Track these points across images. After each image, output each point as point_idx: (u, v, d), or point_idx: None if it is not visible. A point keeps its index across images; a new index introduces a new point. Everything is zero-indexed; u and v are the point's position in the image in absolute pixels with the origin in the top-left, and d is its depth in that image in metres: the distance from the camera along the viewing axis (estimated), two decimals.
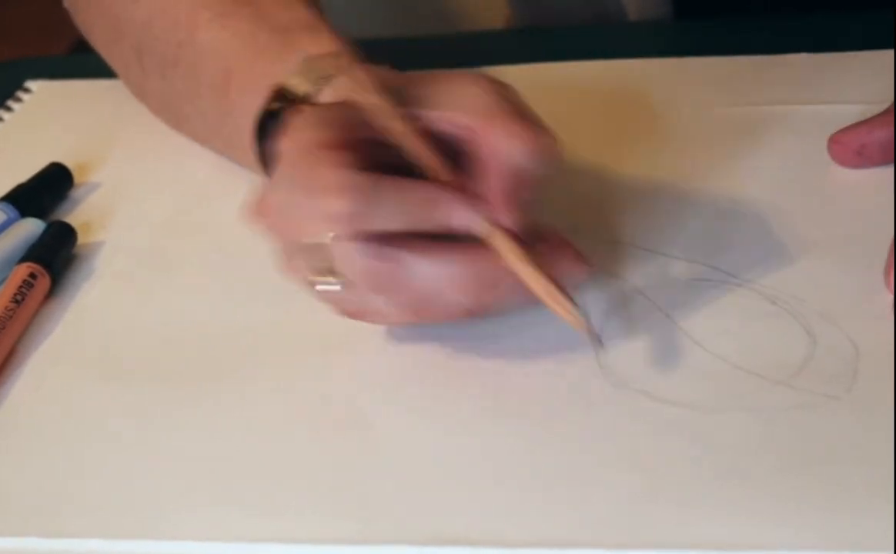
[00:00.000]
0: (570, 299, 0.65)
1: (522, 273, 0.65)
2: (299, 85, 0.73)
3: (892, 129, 0.77)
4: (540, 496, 0.60)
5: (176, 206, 0.86)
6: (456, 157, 0.66)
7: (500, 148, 0.65)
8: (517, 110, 0.66)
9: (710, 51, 0.92)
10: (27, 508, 0.64)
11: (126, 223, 0.85)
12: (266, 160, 0.75)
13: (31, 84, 1.02)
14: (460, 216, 0.64)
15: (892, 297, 0.68)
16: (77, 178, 0.89)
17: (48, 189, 0.87)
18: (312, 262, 0.65)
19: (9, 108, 0.99)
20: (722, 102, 0.88)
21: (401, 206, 0.64)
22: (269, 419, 0.67)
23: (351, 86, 0.67)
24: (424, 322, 0.68)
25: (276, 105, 0.74)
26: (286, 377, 0.69)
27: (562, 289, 0.65)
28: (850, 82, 0.87)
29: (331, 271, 0.65)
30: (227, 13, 0.81)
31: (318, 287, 0.66)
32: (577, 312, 0.65)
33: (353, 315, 0.68)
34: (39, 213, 0.84)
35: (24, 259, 0.78)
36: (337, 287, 0.65)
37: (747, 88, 0.89)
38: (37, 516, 0.63)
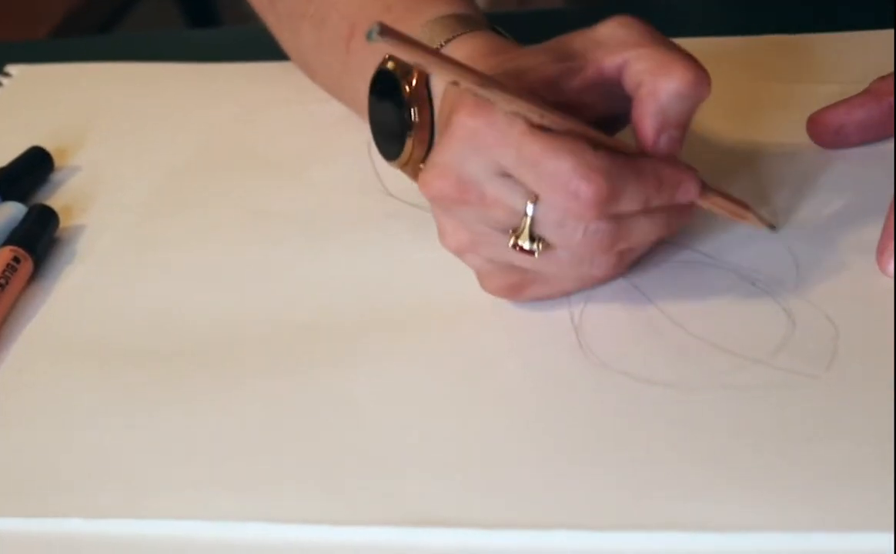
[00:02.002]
0: (748, 207, 0.70)
1: (711, 205, 0.68)
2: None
3: (871, 110, 0.77)
4: (521, 477, 0.60)
5: (157, 189, 0.86)
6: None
7: (658, 80, 0.65)
8: (665, 41, 0.66)
9: (690, 32, 0.92)
10: (10, 488, 0.64)
11: (107, 206, 0.85)
12: (379, 128, 0.76)
13: (11, 68, 1.02)
14: (688, 193, 0.66)
15: (882, 278, 0.68)
16: (57, 161, 0.89)
17: (29, 173, 0.87)
18: (507, 233, 0.65)
19: None
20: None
21: (641, 190, 0.64)
22: (252, 400, 0.67)
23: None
24: (598, 282, 0.69)
25: (390, 65, 0.74)
26: (270, 359, 0.69)
27: (738, 202, 0.70)
28: (829, 63, 0.87)
29: (529, 238, 0.65)
30: None
31: (519, 254, 0.65)
32: (757, 215, 0.70)
33: (512, 289, 0.68)
34: (20, 197, 0.84)
35: (6, 243, 0.78)
36: (535, 253, 0.65)
37: (727, 69, 0.89)
38: (19, 497, 0.63)
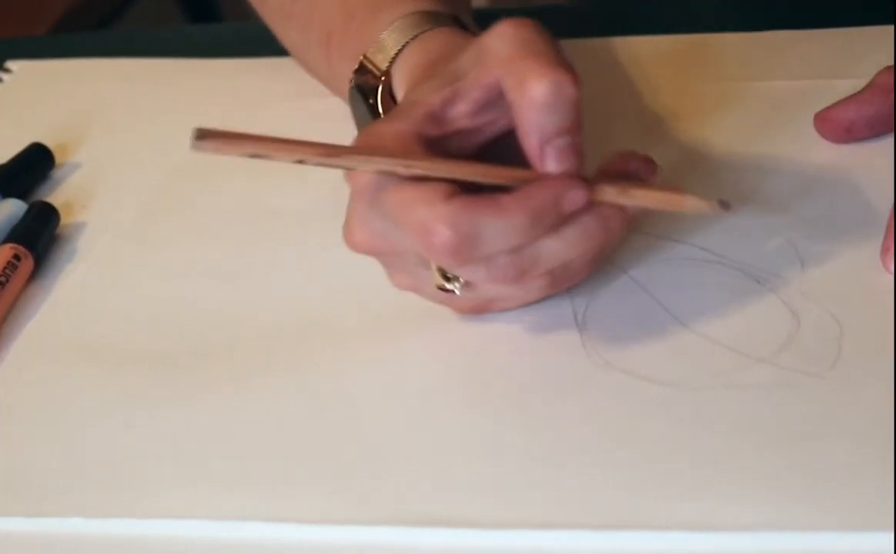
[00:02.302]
0: (682, 191, 0.66)
1: (633, 202, 0.65)
2: (388, 42, 0.73)
3: (880, 105, 0.77)
4: (525, 477, 0.60)
5: (157, 186, 0.85)
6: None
7: (521, 96, 0.63)
8: (531, 49, 0.64)
9: (694, 28, 0.92)
10: (9, 487, 0.64)
11: (108, 203, 0.85)
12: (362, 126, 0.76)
13: (11, 64, 1.01)
14: (574, 201, 0.63)
15: (887, 276, 0.68)
16: (58, 158, 0.89)
17: (29, 169, 0.87)
18: (429, 275, 0.65)
19: None
20: (706, 78, 0.88)
21: (504, 225, 0.62)
22: (253, 399, 0.67)
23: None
24: (556, 292, 0.68)
25: (361, 80, 0.74)
26: (270, 357, 0.69)
27: (670, 189, 0.66)
28: (835, 59, 0.87)
29: (444, 278, 0.65)
30: None
31: (439, 294, 0.66)
32: (701, 199, 0.66)
33: (474, 310, 0.68)
34: (21, 194, 0.84)
35: (6, 240, 0.78)
36: (455, 291, 0.65)
37: (732, 65, 0.89)
38: (19, 496, 0.63)
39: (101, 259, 0.79)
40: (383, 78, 0.74)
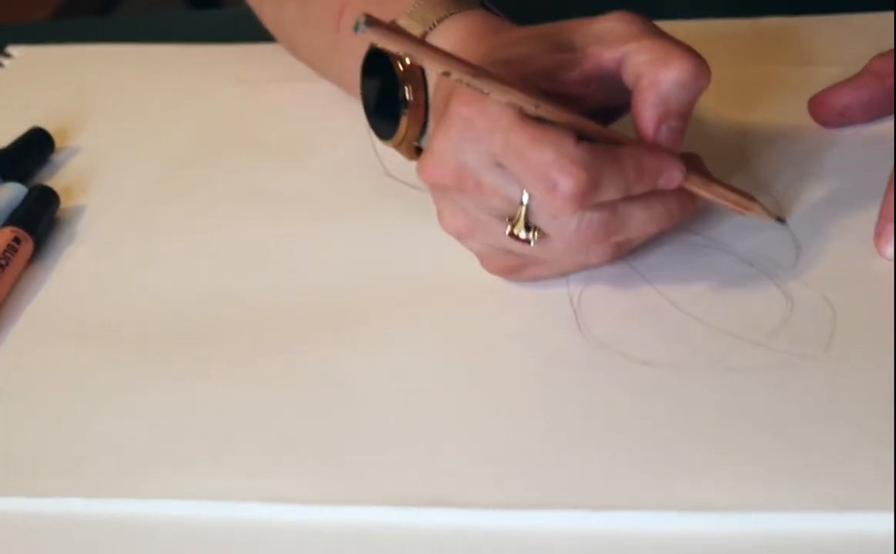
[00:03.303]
0: (753, 199, 0.69)
1: (712, 195, 0.68)
2: (410, 27, 0.73)
3: (874, 89, 0.77)
4: (522, 458, 0.60)
5: (157, 171, 0.86)
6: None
7: (658, 70, 0.65)
8: (664, 35, 0.66)
9: (690, 14, 0.92)
10: (9, 468, 0.64)
11: (107, 187, 0.85)
12: (372, 102, 0.76)
13: (12, 49, 1.02)
14: (671, 180, 0.65)
15: (880, 260, 0.68)
16: (58, 142, 0.89)
17: (29, 153, 0.87)
18: (504, 221, 0.65)
19: None
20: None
21: (621, 178, 0.64)
22: (251, 381, 0.67)
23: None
24: (594, 266, 0.69)
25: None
26: (270, 340, 0.69)
27: (743, 194, 0.69)
28: (828, 45, 0.87)
29: (525, 227, 0.65)
30: None
31: (514, 241, 0.66)
32: (763, 207, 0.69)
33: (510, 271, 0.69)
34: (21, 178, 0.84)
35: (6, 223, 0.78)
36: (531, 242, 0.65)
37: (727, 51, 0.89)
38: (19, 477, 0.64)
39: (100, 243, 0.79)
40: None
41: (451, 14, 0.74)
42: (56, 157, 0.88)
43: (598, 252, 0.68)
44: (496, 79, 0.62)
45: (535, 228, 0.65)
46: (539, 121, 0.63)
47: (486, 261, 0.69)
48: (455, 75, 0.62)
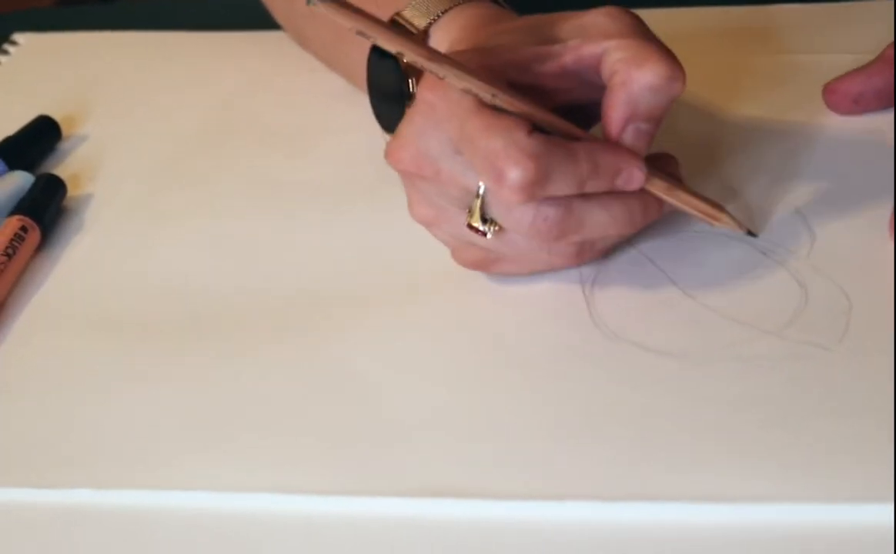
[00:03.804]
0: (722, 208, 0.69)
1: (676, 202, 0.68)
2: (413, 17, 0.73)
3: (889, 76, 0.77)
4: (533, 449, 0.60)
5: (165, 158, 0.85)
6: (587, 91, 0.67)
7: (631, 70, 0.65)
8: (647, 35, 0.66)
9: (703, 2, 0.92)
10: (16, 459, 0.64)
11: (114, 175, 0.85)
12: (378, 92, 0.76)
13: (18, 37, 1.01)
14: (630, 181, 0.65)
15: (892, 248, 0.68)
16: (65, 130, 0.89)
17: (36, 142, 0.87)
18: (463, 211, 0.65)
19: None
20: (713, 52, 0.88)
21: (573, 172, 0.63)
22: (260, 371, 0.67)
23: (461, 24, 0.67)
24: (563, 267, 0.68)
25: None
26: (277, 330, 0.69)
27: (712, 204, 0.69)
28: (842, 32, 0.87)
29: (481, 219, 0.65)
30: None
31: (471, 233, 0.65)
32: (732, 218, 0.69)
33: (479, 264, 0.68)
34: (28, 166, 0.84)
35: (14, 212, 0.78)
36: (487, 234, 0.65)
37: (741, 38, 0.89)
38: (26, 467, 0.63)
39: (107, 231, 0.79)
40: (422, 36, 0.74)
41: (455, 5, 0.74)
42: (63, 146, 0.88)
43: (560, 251, 0.67)
44: (453, 64, 0.62)
45: (492, 221, 0.65)
46: (497, 110, 0.63)
47: (455, 253, 0.69)
48: (409, 57, 0.62)
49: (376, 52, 0.76)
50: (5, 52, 1.00)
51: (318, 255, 0.74)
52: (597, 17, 0.67)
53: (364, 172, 0.81)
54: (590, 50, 0.66)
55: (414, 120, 0.65)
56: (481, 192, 0.64)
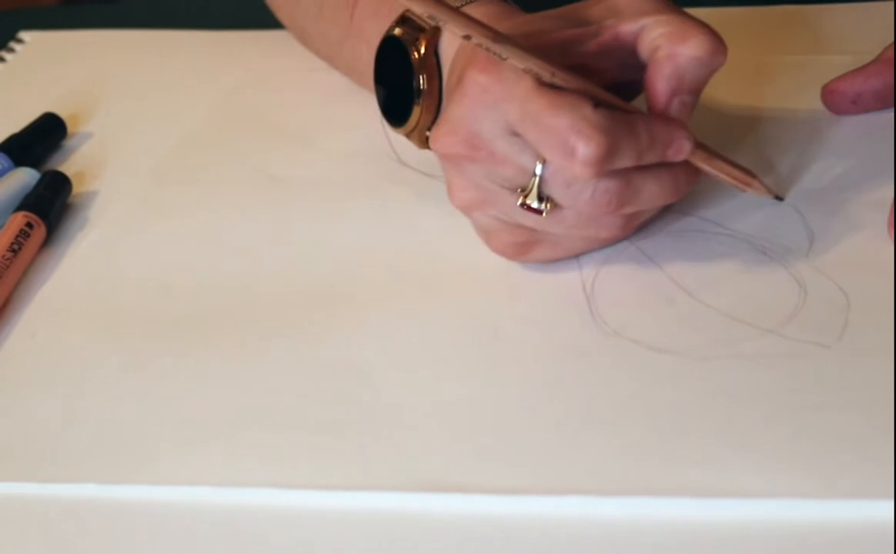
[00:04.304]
0: (754, 175, 0.70)
1: (714, 170, 0.69)
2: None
3: (887, 77, 0.77)
4: (533, 444, 0.60)
5: (169, 155, 0.86)
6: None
7: (675, 44, 0.66)
8: (681, 11, 0.67)
9: (702, 2, 0.92)
10: (23, 454, 0.64)
11: (120, 172, 0.85)
12: (387, 86, 0.77)
13: (24, 34, 1.02)
14: (680, 150, 0.66)
15: (891, 247, 0.68)
16: (70, 127, 0.89)
17: (42, 139, 0.88)
18: (516, 191, 0.66)
19: (2, 59, 0.99)
20: None
21: (635, 145, 0.64)
22: (264, 367, 0.67)
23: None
24: (604, 245, 0.70)
25: (398, 30, 0.74)
26: (282, 325, 0.69)
27: (744, 170, 0.70)
28: (840, 33, 0.87)
29: (537, 197, 0.65)
30: None
31: (528, 212, 0.66)
32: (763, 184, 0.70)
33: (517, 249, 0.69)
34: (33, 163, 0.84)
35: (19, 208, 0.78)
36: (543, 212, 0.65)
37: (740, 39, 0.89)
38: (32, 462, 0.63)
39: (112, 227, 0.80)
40: (434, 32, 0.74)
41: (469, 2, 0.74)
42: (68, 143, 0.88)
43: (609, 224, 0.68)
44: (515, 45, 0.63)
45: (548, 198, 0.65)
46: (555, 88, 0.63)
47: (493, 238, 0.69)
48: (476, 39, 0.62)
49: (384, 49, 0.76)
50: (11, 50, 1.00)
51: (320, 252, 0.74)
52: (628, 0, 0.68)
53: (365, 170, 0.81)
54: (628, 27, 0.67)
55: (464, 103, 0.65)
56: (538, 171, 0.64)
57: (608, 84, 0.67)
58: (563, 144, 0.62)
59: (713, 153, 0.69)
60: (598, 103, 0.63)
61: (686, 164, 0.67)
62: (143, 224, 0.80)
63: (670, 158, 0.66)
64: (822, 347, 0.63)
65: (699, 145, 0.67)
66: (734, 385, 0.62)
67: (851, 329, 0.64)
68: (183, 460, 0.62)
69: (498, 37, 0.63)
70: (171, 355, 0.69)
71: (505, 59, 0.63)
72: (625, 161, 0.64)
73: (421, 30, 0.74)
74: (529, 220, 0.66)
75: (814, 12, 0.91)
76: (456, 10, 0.62)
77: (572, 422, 0.61)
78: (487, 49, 0.63)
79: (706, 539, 0.56)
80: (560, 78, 0.63)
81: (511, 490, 0.58)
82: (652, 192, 0.67)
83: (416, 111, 0.74)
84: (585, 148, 0.62)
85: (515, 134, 0.64)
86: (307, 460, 0.61)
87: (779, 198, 0.72)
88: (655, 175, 0.66)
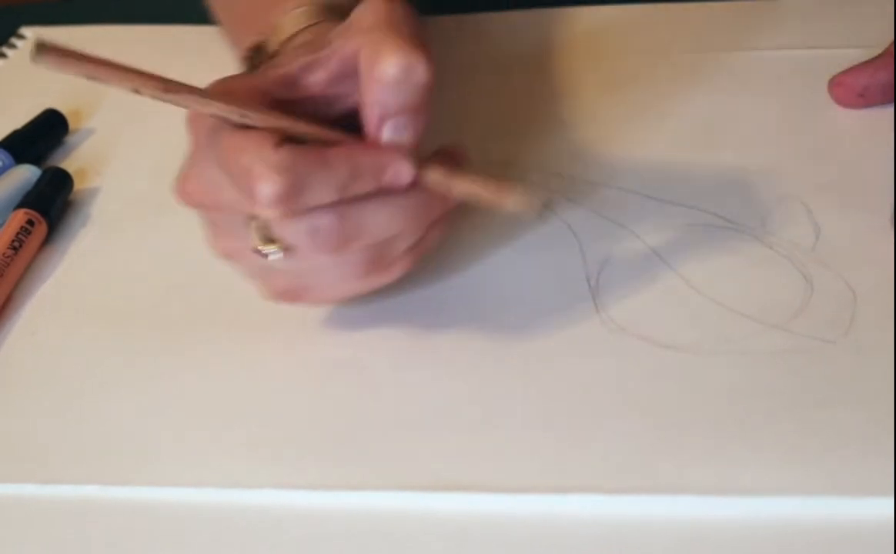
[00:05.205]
0: (508, 188, 0.63)
1: (458, 189, 0.63)
2: (272, 43, 0.72)
3: (894, 71, 0.77)
4: (539, 442, 0.60)
5: (171, 152, 0.85)
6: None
7: (373, 66, 0.61)
8: (394, 23, 0.62)
9: None
10: (23, 454, 0.64)
11: (121, 169, 0.85)
12: None
13: (25, 30, 1.01)
14: (398, 177, 0.62)
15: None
16: (72, 124, 0.89)
17: (43, 135, 0.87)
18: (250, 234, 0.63)
19: (3, 55, 0.99)
20: (719, 47, 0.88)
21: (331, 178, 0.60)
22: (266, 365, 0.67)
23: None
24: (372, 284, 0.65)
25: (256, 58, 0.73)
26: (283, 323, 0.69)
27: (496, 184, 0.63)
28: (848, 26, 0.87)
29: (271, 240, 0.62)
30: None
31: (261, 258, 0.63)
32: (526, 194, 0.63)
33: (288, 294, 0.66)
34: (35, 160, 0.84)
35: (20, 205, 0.78)
36: (279, 255, 0.62)
37: (745, 32, 0.89)
38: (32, 463, 0.63)
39: (114, 225, 0.79)
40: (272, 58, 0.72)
41: (321, 22, 0.71)
42: (70, 139, 0.88)
43: (354, 262, 0.64)
44: (192, 92, 0.60)
45: (279, 241, 0.62)
46: (248, 129, 0.60)
47: (260, 285, 0.66)
48: (146, 92, 0.60)
49: (247, 64, 0.74)
50: (13, 46, 1.00)
51: None
52: (359, 12, 0.63)
53: None
54: (349, 48, 0.63)
55: (190, 153, 0.64)
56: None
57: (351, 109, 0.64)
58: (246, 186, 0.60)
59: (455, 171, 0.64)
60: (299, 138, 0.61)
61: (422, 190, 0.63)
62: (145, 221, 0.79)
63: (391, 185, 0.62)
64: (829, 343, 0.63)
65: (433, 166, 0.63)
66: (740, 381, 0.62)
67: (858, 325, 0.64)
68: (184, 459, 0.62)
69: (169, 86, 0.60)
70: (173, 353, 0.68)
71: (186, 107, 0.60)
72: (321, 196, 0.60)
73: (267, 54, 0.72)
74: (275, 263, 0.63)
75: (820, 4, 0.90)
76: (112, 65, 0.59)
77: (578, 419, 0.61)
78: (161, 100, 0.60)
79: (709, 536, 0.56)
80: (252, 118, 0.60)
81: (516, 489, 0.58)
82: (380, 223, 0.62)
83: None
84: (264, 188, 0.59)
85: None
86: (310, 460, 0.61)
87: (545, 207, 0.64)
88: (380, 203, 0.62)
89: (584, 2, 0.95)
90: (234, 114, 0.60)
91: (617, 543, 0.56)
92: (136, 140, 0.87)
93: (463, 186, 0.63)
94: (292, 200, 0.59)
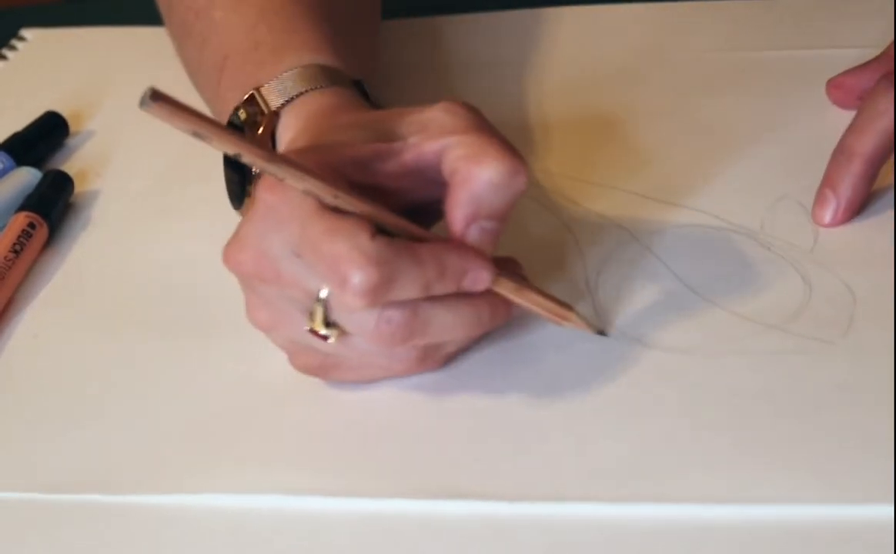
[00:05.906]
0: (570, 308, 0.65)
1: (524, 302, 0.64)
2: (269, 95, 0.71)
3: (894, 71, 0.77)
4: (538, 448, 0.60)
5: (171, 155, 0.85)
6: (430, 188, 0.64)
7: (472, 168, 0.62)
8: (487, 130, 0.63)
9: None
10: (25, 459, 0.64)
11: (122, 171, 0.85)
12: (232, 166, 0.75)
13: (26, 32, 1.01)
14: (477, 282, 0.62)
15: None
16: (72, 126, 0.89)
17: (44, 138, 0.87)
18: (306, 314, 0.62)
19: (4, 57, 0.99)
20: (719, 47, 0.88)
21: (419, 276, 0.60)
22: (264, 370, 0.67)
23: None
24: (404, 373, 0.65)
25: (243, 112, 0.72)
26: None
27: (560, 304, 0.65)
28: (846, 27, 0.87)
29: (328, 323, 0.62)
30: None
31: (314, 338, 0.62)
32: (582, 318, 0.65)
33: (320, 370, 0.65)
34: (35, 162, 0.84)
35: (21, 208, 0.78)
36: (329, 339, 0.62)
37: (745, 33, 0.89)
38: (32, 469, 0.63)
39: (114, 227, 0.79)
40: (272, 116, 0.71)
41: (314, 88, 0.71)
42: (70, 142, 0.88)
43: (402, 356, 0.64)
44: (292, 165, 0.60)
45: (335, 325, 0.62)
46: (339, 212, 0.60)
47: (293, 358, 0.66)
48: (247, 158, 0.59)
49: (238, 118, 0.73)
50: (13, 48, 1.00)
51: None
52: (436, 113, 0.64)
53: None
54: (430, 147, 0.63)
55: (253, 220, 0.62)
56: (323, 295, 0.61)
57: (413, 204, 0.64)
58: (336, 273, 0.59)
59: (524, 284, 0.65)
60: (386, 229, 0.61)
61: (490, 296, 0.63)
62: (145, 224, 0.80)
63: (467, 289, 0.62)
64: (828, 344, 0.63)
65: (506, 276, 0.64)
66: (739, 383, 0.62)
67: (857, 326, 0.64)
68: (184, 466, 0.62)
69: (272, 157, 0.59)
70: (174, 357, 0.69)
71: (282, 180, 0.60)
72: (407, 292, 0.61)
73: (262, 112, 0.71)
74: (320, 345, 0.63)
75: (818, 5, 0.90)
76: (223, 129, 0.59)
77: (574, 424, 0.61)
78: (262, 170, 0.60)
79: (708, 542, 0.55)
80: (343, 201, 0.60)
81: (516, 496, 0.58)
82: (445, 325, 0.63)
83: (247, 203, 0.73)
84: (357, 278, 0.59)
85: (300, 256, 0.61)
86: (312, 467, 0.61)
87: (601, 333, 0.66)
88: (450, 306, 0.62)
89: (584, 1, 0.95)
90: (328, 193, 0.60)
91: (618, 550, 0.56)
92: (136, 142, 0.87)
93: (530, 300, 0.64)
94: (382, 293, 0.59)
